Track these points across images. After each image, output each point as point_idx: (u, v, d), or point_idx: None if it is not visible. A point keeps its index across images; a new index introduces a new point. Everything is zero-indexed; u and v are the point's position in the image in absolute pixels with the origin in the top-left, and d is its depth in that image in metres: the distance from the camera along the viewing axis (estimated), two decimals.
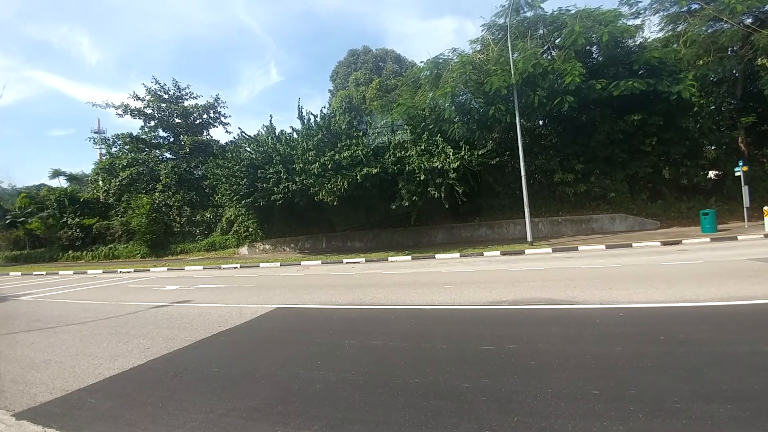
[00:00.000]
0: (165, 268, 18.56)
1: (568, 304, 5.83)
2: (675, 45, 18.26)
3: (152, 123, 32.12)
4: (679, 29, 18.94)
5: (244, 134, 21.30)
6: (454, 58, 18.87)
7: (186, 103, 32.56)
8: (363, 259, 15.54)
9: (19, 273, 22.36)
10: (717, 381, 3.04)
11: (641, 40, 19.14)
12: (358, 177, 16.23)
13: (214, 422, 3.03)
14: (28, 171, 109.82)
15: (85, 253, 29.89)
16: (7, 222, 34.25)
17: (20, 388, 4.09)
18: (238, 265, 17.37)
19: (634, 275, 7.95)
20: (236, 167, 19.49)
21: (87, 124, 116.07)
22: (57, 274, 20.32)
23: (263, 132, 20.78)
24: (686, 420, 2.52)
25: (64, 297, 11.19)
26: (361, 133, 18.15)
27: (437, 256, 14.58)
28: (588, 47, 17.99)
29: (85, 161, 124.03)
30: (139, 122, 32.23)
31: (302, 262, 16.70)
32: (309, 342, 5.05)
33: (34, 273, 21.62)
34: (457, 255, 14.32)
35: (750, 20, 17.20)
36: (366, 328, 5.57)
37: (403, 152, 17.19)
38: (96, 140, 37.30)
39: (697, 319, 4.73)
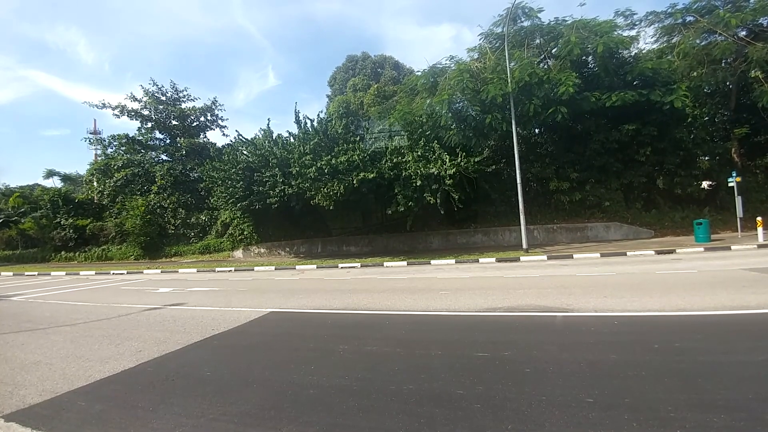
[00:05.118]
0: (158, 270, 18.41)
1: (563, 312, 5.84)
2: (669, 56, 18.50)
3: (149, 124, 31.94)
4: (673, 41, 19.22)
5: (241, 137, 21.28)
6: (452, 65, 19.03)
7: (183, 106, 32.42)
8: (358, 264, 15.50)
9: (11, 273, 22.08)
10: (711, 390, 3.05)
11: (636, 51, 19.41)
12: (354, 182, 16.24)
13: (206, 426, 2.99)
14: (21, 170, 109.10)
15: (77, 254, 29.57)
16: (0, 221, 33.86)
17: (9, 389, 4.03)
18: (233, 269, 17.26)
19: (628, 283, 7.99)
20: (232, 170, 19.43)
21: (82, 125, 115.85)
22: (49, 274, 20.10)
23: (260, 135, 20.76)
24: (680, 429, 2.52)
25: (56, 298, 11.06)
26: (358, 138, 18.19)
27: (433, 261, 14.57)
28: (584, 57, 18.20)
29: (79, 162, 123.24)
30: (136, 123, 32.11)
31: (297, 266, 16.63)
32: (303, 347, 5.02)
33: (26, 273, 21.37)
34: (453, 261, 14.32)
35: (744, 33, 17.50)
36: (360, 333, 5.54)
37: (399, 158, 17.22)
38: (92, 141, 36.99)
39: (691, 328, 4.76)
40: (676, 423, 2.59)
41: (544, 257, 13.64)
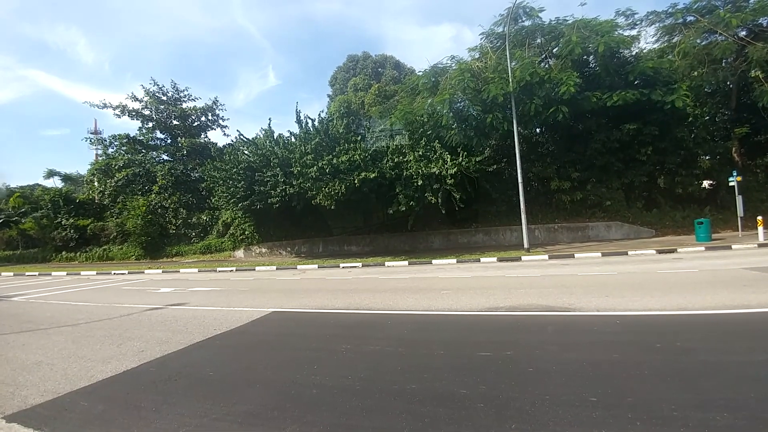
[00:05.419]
0: (160, 270, 18.43)
1: (565, 311, 5.84)
2: (670, 56, 18.49)
3: (150, 124, 31.98)
4: (674, 40, 19.20)
5: (242, 137, 21.33)
6: (453, 65, 19.03)
7: (184, 105, 32.44)
8: (360, 264, 15.51)
9: (11, 273, 22.11)
10: (713, 389, 3.05)
11: (637, 50, 19.40)
12: (355, 181, 16.24)
13: (209, 427, 2.99)
14: (22, 170, 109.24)
15: (78, 254, 29.61)
16: (1, 222, 33.89)
17: (11, 390, 4.03)
18: (234, 269, 17.27)
19: (630, 283, 7.99)
20: (233, 170, 19.45)
21: (82, 125, 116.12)
22: (50, 275, 20.12)
23: (261, 135, 20.78)
24: (683, 428, 2.52)
25: (57, 298, 11.07)
26: (359, 138, 18.19)
27: (434, 261, 14.57)
28: (585, 57, 18.20)
29: (80, 162, 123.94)
30: (137, 123, 32.18)
31: (298, 266, 16.64)
32: (305, 347, 5.02)
33: (27, 273, 21.39)
34: (454, 261, 14.32)
35: (744, 33, 17.48)
36: (362, 333, 5.55)
37: (400, 157, 17.23)
38: (92, 140, 37.09)
39: (692, 328, 4.75)
40: (678, 422, 2.59)
41: (546, 257, 13.64)
